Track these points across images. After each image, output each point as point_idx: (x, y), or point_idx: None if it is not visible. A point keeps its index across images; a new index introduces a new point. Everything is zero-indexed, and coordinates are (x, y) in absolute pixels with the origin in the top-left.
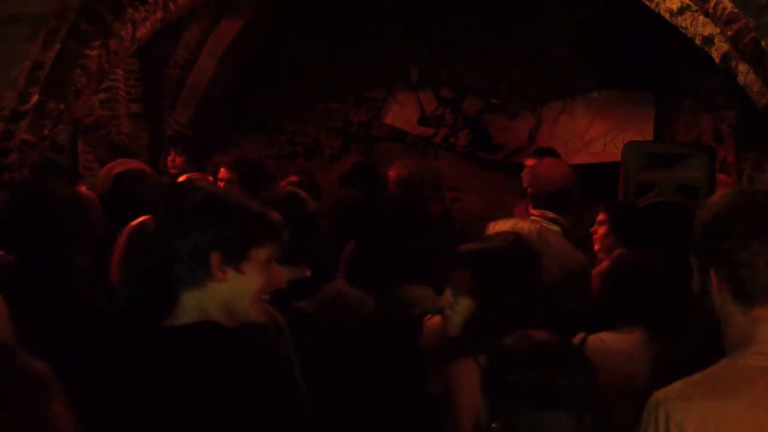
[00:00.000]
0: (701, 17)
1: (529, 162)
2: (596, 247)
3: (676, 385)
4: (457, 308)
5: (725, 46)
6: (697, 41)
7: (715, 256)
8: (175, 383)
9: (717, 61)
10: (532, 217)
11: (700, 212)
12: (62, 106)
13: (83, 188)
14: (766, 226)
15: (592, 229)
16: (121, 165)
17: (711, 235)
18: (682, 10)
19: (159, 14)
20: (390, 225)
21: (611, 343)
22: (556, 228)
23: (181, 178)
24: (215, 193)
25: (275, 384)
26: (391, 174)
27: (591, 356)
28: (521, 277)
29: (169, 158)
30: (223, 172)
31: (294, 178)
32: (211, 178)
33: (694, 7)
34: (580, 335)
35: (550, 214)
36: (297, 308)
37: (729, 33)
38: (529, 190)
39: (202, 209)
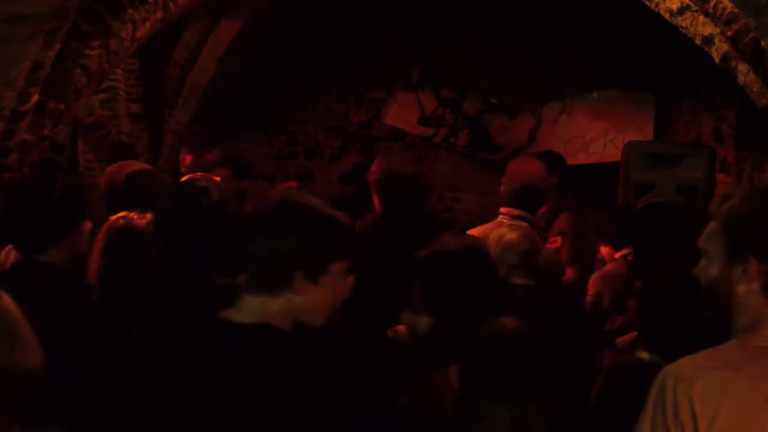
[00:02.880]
0: (701, 17)
1: None
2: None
3: (686, 359)
4: (419, 326)
5: (725, 46)
6: (697, 41)
7: (760, 245)
8: (234, 382)
9: (717, 61)
10: (500, 217)
11: (737, 199)
12: (62, 106)
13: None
14: None
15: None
16: (129, 165)
17: (759, 223)
18: (682, 10)
19: (159, 14)
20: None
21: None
22: (521, 224)
23: (185, 178)
24: (310, 204)
25: (329, 392)
26: (371, 174)
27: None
28: (476, 285)
29: (180, 156)
30: (219, 172)
31: (294, 184)
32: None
33: (694, 7)
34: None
35: (516, 212)
36: None
37: (729, 33)
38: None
39: (288, 222)
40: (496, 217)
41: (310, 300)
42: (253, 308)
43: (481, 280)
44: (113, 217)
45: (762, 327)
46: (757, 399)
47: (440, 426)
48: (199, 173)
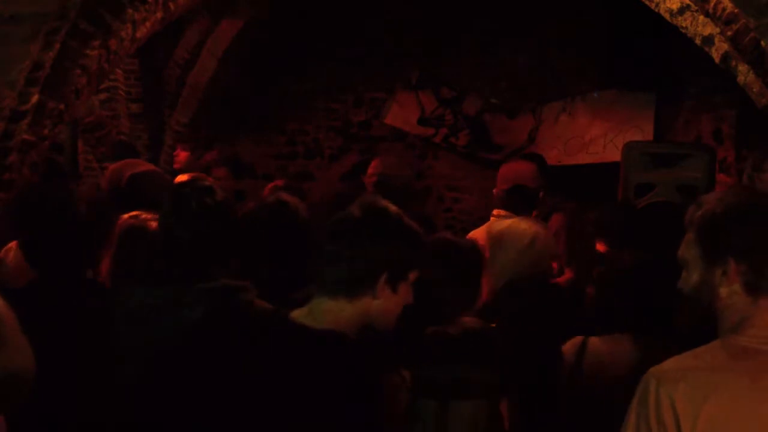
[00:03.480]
0: (701, 17)
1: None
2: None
3: (670, 361)
4: None
5: (725, 46)
6: (697, 41)
7: (740, 246)
8: (300, 384)
9: (717, 61)
10: (491, 218)
11: (711, 203)
12: (62, 106)
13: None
14: None
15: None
16: (132, 166)
17: (738, 225)
18: (682, 10)
19: (159, 14)
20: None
21: (606, 347)
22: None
23: (183, 177)
24: (393, 211)
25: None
26: (368, 177)
27: (590, 360)
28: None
29: (174, 152)
30: (215, 171)
31: (280, 182)
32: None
33: (694, 7)
34: (579, 339)
35: (503, 213)
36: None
37: (729, 33)
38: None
39: (378, 227)
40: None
41: (385, 306)
42: (324, 312)
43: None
44: (125, 217)
45: (746, 326)
46: (740, 399)
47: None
48: (194, 173)
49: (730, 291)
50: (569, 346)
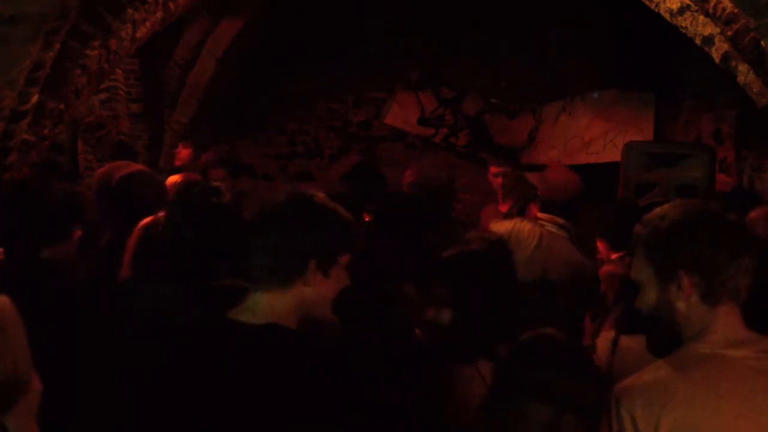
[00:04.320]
0: (701, 17)
1: (494, 170)
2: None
3: (632, 377)
4: (442, 318)
5: (725, 46)
6: (697, 41)
7: (689, 259)
8: (242, 385)
9: (717, 61)
10: (540, 221)
11: (655, 221)
12: (62, 106)
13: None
14: (730, 234)
15: None
16: (124, 167)
17: (684, 238)
18: (682, 10)
19: (159, 14)
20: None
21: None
22: (563, 233)
23: (175, 177)
24: (314, 198)
25: (341, 391)
26: (407, 178)
27: (621, 358)
28: (499, 282)
29: (176, 150)
30: (212, 173)
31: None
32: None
33: (694, 7)
34: (609, 335)
35: (560, 221)
36: None
37: (729, 33)
38: (540, 195)
39: (303, 214)
40: (497, 218)
41: (319, 292)
42: (261, 306)
43: (501, 277)
44: (145, 220)
45: (705, 334)
46: (698, 407)
47: (467, 415)
48: (187, 173)
49: (688, 304)
50: (602, 341)
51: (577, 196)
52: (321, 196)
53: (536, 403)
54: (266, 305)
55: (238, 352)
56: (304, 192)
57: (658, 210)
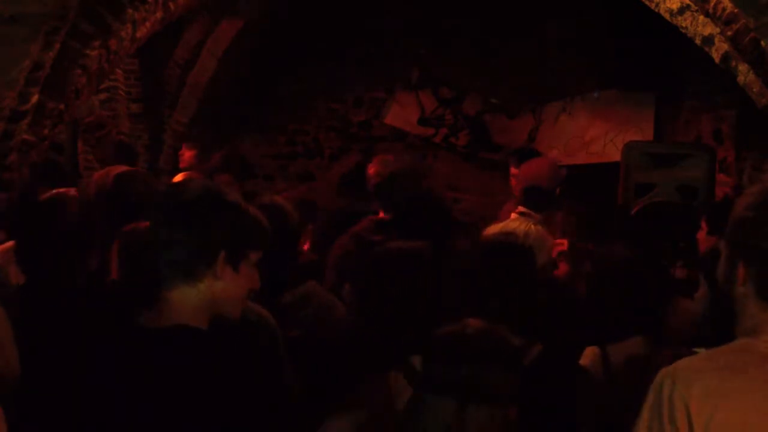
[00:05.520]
0: (701, 17)
1: (515, 170)
2: None
3: (684, 361)
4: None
5: (725, 46)
6: (697, 41)
7: (747, 250)
8: (154, 389)
9: (717, 61)
10: (512, 215)
11: (740, 200)
12: (62, 106)
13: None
14: None
15: None
16: (118, 170)
17: (747, 228)
18: (682, 10)
19: (159, 14)
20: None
21: (621, 354)
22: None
23: (178, 178)
24: (221, 191)
25: (255, 387)
26: (370, 171)
27: (616, 370)
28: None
29: (180, 151)
30: (217, 178)
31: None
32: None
33: (694, 7)
34: (593, 349)
35: (522, 209)
36: (279, 303)
37: (729, 33)
38: (525, 185)
39: (211, 205)
40: (498, 218)
41: (228, 288)
42: (170, 306)
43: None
44: (130, 226)
45: (761, 332)
46: (754, 406)
47: (391, 419)
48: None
49: (744, 292)
50: (588, 360)
51: (539, 186)
52: (224, 188)
53: (437, 397)
54: (174, 304)
55: (142, 359)
56: (206, 185)
57: (753, 186)
